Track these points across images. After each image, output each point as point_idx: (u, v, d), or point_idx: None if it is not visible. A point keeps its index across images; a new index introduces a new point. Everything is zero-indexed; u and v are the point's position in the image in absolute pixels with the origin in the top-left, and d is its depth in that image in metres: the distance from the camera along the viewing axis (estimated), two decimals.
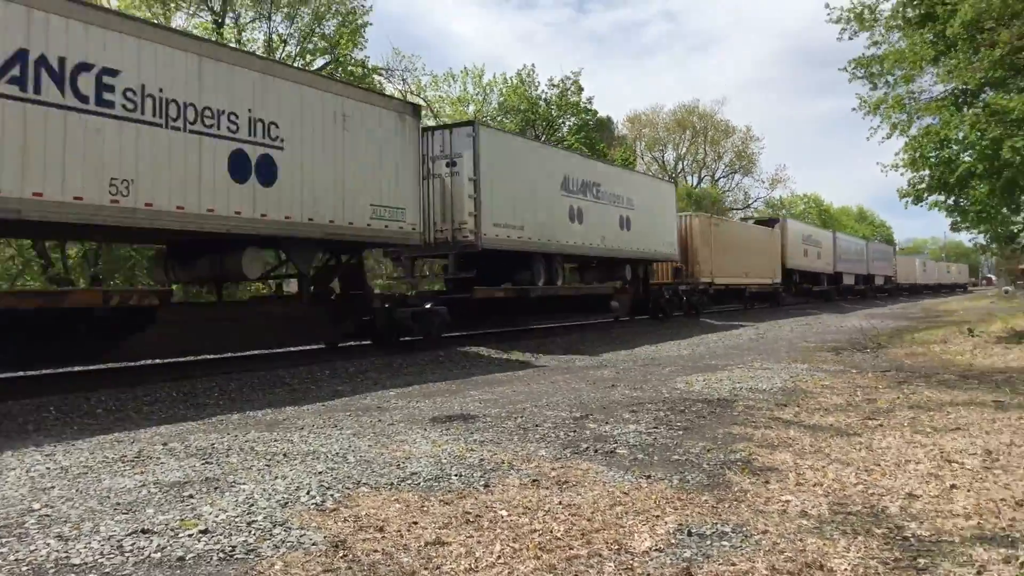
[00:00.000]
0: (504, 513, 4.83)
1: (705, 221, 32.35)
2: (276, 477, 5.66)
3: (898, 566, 3.88)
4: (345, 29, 29.09)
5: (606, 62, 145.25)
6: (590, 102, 45.74)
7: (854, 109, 20.05)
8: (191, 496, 5.18)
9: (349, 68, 29.38)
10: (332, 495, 5.21)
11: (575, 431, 7.58)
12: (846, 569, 3.84)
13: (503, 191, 18.83)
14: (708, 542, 4.28)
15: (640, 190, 26.73)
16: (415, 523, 4.63)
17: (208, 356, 14.12)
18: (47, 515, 4.79)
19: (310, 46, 29.31)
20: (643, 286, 28.11)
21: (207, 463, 6.18)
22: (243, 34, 28.17)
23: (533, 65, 59.99)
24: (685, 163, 73.56)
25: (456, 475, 5.74)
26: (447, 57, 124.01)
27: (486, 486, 5.48)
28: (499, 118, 45.29)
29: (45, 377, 12.30)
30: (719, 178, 75.37)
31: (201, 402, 10.04)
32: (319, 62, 29.37)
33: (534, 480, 5.66)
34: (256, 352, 14.29)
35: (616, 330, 23.95)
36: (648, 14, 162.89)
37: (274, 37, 29.42)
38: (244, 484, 5.47)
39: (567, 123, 45.83)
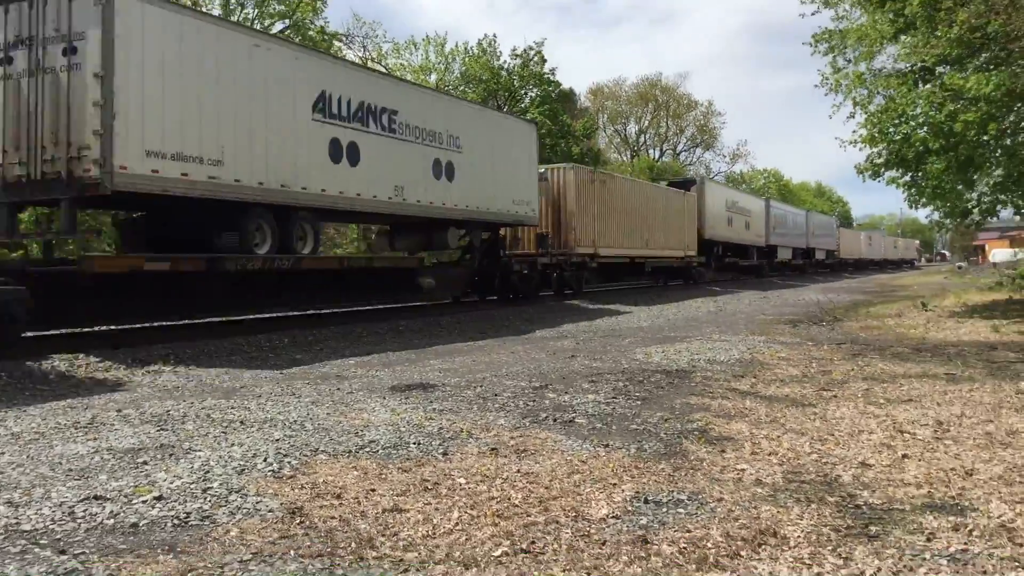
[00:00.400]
0: (462, 481, 4.84)
1: (585, 176, 25.82)
2: (233, 444, 5.61)
3: (850, 533, 3.96)
4: None
5: (569, 33, 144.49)
6: (553, 73, 45.63)
7: (816, 86, 20.22)
8: (145, 463, 5.11)
9: (309, 33, 28.93)
10: (289, 462, 5.17)
11: (533, 401, 7.60)
12: (799, 536, 3.91)
13: (175, 102, 11.97)
14: (664, 509, 4.32)
15: (473, 127, 20.00)
16: (373, 490, 4.62)
17: (156, 323, 14.01)
18: None
19: (269, 9, 28.73)
20: (493, 259, 22.23)
21: (162, 430, 6.10)
22: None
23: (495, 35, 59.55)
24: (647, 136, 73.72)
25: (415, 443, 5.74)
26: (406, 26, 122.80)
27: (445, 454, 5.48)
28: (461, 88, 44.96)
29: None
30: (680, 152, 75.72)
31: (156, 369, 9.90)
32: (277, 26, 28.89)
33: (493, 449, 5.67)
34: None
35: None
36: None
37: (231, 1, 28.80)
38: (200, 451, 5.41)
39: (529, 94, 45.66)
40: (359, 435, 5.99)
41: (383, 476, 4.93)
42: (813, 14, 20.38)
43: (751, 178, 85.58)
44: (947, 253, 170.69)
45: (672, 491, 4.68)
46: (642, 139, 73.38)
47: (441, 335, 14.51)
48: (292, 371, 9.86)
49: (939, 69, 17.24)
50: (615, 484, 4.82)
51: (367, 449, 5.58)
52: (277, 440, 5.76)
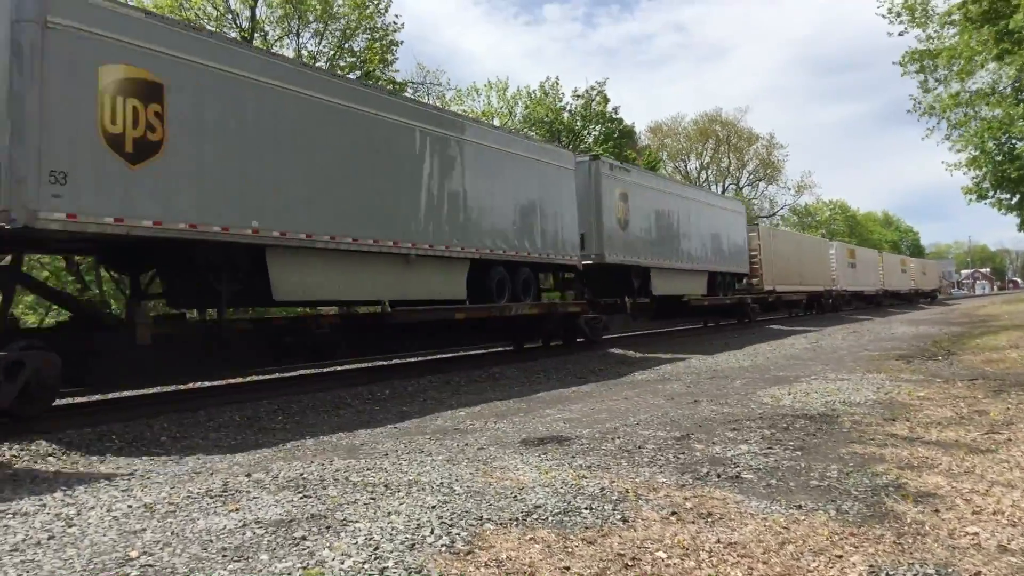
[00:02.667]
0: (663, 555, 4.27)
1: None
2: (389, 513, 5.11)
3: None
4: (376, 44, 28.67)
5: (615, 75, 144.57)
6: (616, 111, 45.27)
7: (909, 111, 19.50)
8: (304, 538, 4.64)
9: (380, 83, 29.04)
10: (459, 534, 4.66)
11: (684, 453, 7.00)
12: None
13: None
14: None
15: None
16: (567, 568, 4.08)
17: (260, 375, 13.76)
18: (149, 565, 4.26)
19: (341, 63, 28.88)
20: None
21: (305, 497, 5.65)
22: (272, 50, 27.80)
23: (557, 77, 59.42)
24: (709, 172, 72.84)
25: (585, 508, 5.18)
26: (458, 74, 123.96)
27: (624, 520, 4.91)
28: (524, 130, 44.88)
29: (92, 403, 11.87)
30: (743, 186, 74.60)
31: (267, 426, 9.53)
32: (351, 76, 29.02)
33: (673, 512, 5.09)
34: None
35: None
36: (657, 26, 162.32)
37: (304, 54, 29.04)
38: (357, 522, 4.93)
39: (592, 133, 45.34)
40: (518, 499, 5.45)
41: (569, 550, 4.38)
42: (900, 34, 19.62)
43: (816, 210, 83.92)
44: (1020, 280, 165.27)
45: (912, 563, 4.05)
46: (704, 175, 72.50)
47: (541, 381, 13.96)
48: (406, 425, 9.39)
49: None
50: (840, 556, 4.20)
51: (535, 516, 5.04)
52: (433, 507, 5.25)
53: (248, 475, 6.54)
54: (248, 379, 13.95)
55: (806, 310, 42.63)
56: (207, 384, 13.37)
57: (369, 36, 29.42)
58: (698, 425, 8.42)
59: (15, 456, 7.65)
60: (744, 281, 32.18)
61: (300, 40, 28.98)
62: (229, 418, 9.77)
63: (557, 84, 44.84)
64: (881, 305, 54.40)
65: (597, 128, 44.24)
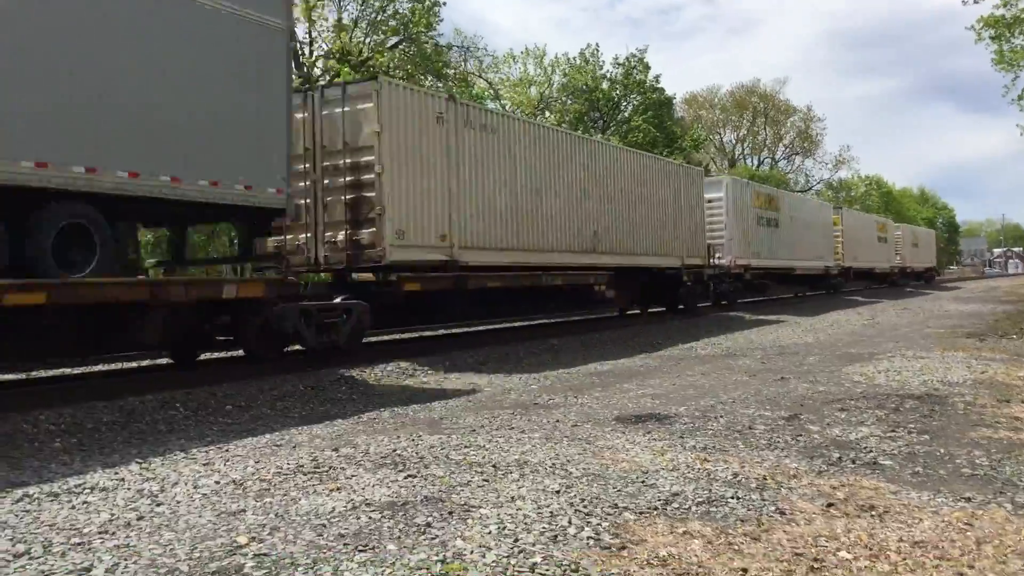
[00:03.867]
0: (847, 556, 3.73)
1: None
2: (512, 498, 4.60)
3: None
4: (420, 6, 27.90)
5: (642, 46, 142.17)
6: (657, 80, 44.31)
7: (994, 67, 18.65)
8: (428, 524, 4.14)
9: (424, 47, 28.44)
10: (600, 525, 4.14)
11: (801, 435, 6.45)
12: None
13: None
14: None
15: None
16: (744, 570, 3.55)
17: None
18: (264, 554, 3.77)
19: (383, 28, 28.21)
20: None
21: (410, 476, 5.15)
22: (313, 12, 27.20)
23: (597, 44, 58.37)
24: (745, 145, 71.62)
25: (731, 497, 4.64)
26: (490, 43, 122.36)
27: (781, 513, 4.38)
28: (562, 99, 44.10)
29: (141, 370, 11.50)
30: (779, 160, 73.33)
31: (333, 396, 9.07)
32: (391, 41, 28.38)
33: (829, 504, 4.54)
34: None
35: None
36: None
37: (344, 18, 28.40)
38: (480, 507, 4.42)
39: (631, 103, 44.38)
40: (647, 484, 4.93)
41: (735, 546, 3.85)
42: (976, 1, 18.69)
43: (852, 185, 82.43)
44: None
45: None
46: (740, 148, 71.30)
47: (601, 354, 13.42)
48: (479, 398, 8.89)
49: None
50: None
51: (675, 505, 4.51)
52: (558, 492, 4.73)
53: (335, 450, 6.07)
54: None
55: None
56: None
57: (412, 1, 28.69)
58: (800, 404, 7.86)
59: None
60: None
61: (341, 3, 28.31)
62: (292, 387, 9.30)
63: (597, 51, 43.94)
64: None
65: (637, 98, 43.27)
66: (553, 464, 5.45)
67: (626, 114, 43.71)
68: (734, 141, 71.45)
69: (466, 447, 6.04)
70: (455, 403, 8.54)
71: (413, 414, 7.89)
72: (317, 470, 5.43)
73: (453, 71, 32.41)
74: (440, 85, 28.33)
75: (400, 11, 28.15)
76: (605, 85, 43.68)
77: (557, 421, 7.19)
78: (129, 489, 5.08)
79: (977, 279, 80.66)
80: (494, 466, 5.40)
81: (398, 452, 5.90)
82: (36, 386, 9.51)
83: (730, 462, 5.51)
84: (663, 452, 5.83)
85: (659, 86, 43.93)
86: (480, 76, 38.26)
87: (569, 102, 43.70)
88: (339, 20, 27.88)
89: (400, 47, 28.34)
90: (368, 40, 28.03)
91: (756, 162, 71.37)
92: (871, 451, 5.88)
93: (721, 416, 7.25)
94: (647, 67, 43.78)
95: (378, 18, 28.04)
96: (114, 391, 8.43)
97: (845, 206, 44.87)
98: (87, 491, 5.06)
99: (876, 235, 44.39)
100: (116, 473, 5.53)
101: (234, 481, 5.21)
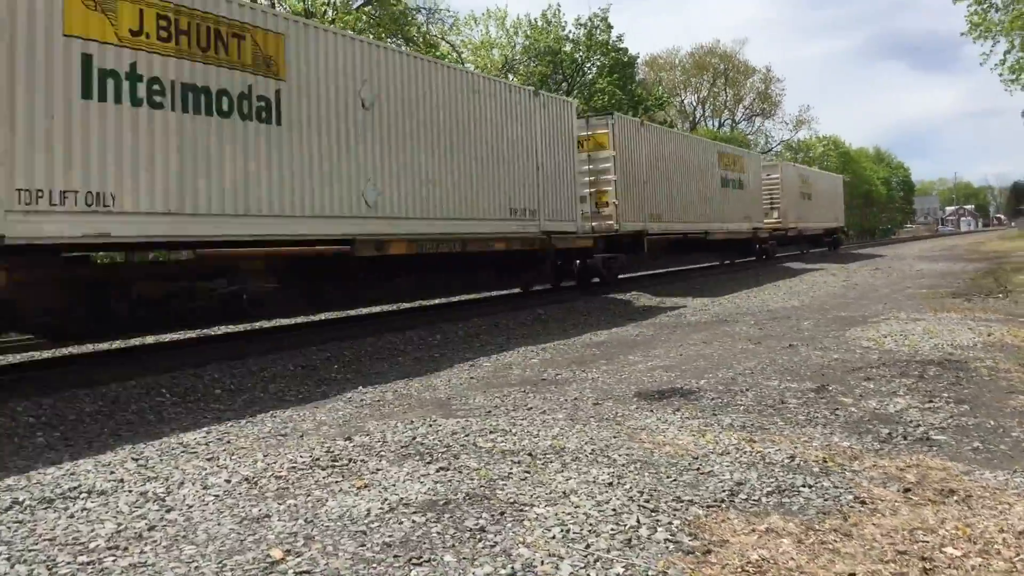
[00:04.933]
0: (954, 552, 3.39)
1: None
2: (563, 493, 4.19)
3: None
4: None
5: (594, 4, 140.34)
6: (620, 40, 43.63)
7: (963, 34, 18.48)
8: (482, 529, 3.72)
9: (393, 9, 27.53)
10: (671, 523, 3.75)
11: (838, 409, 6.13)
12: None
13: None
14: None
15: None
16: (852, 575, 3.19)
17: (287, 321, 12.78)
18: (306, 572, 3.32)
19: None
20: None
21: (441, 469, 4.71)
22: None
23: (559, 4, 57.40)
24: (706, 108, 71.42)
25: (801, 485, 4.28)
26: (451, 4, 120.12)
27: (861, 503, 4.03)
28: (525, 62, 43.32)
29: (125, 351, 10.87)
30: (739, 121, 73.29)
31: (326, 376, 8.57)
32: (356, 3, 27.44)
33: (905, 490, 4.21)
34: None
35: None
36: None
37: None
38: (533, 506, 4.01)
39: (596, 64, 43.75)
40: (702, 472, 4.56)
41: (828, 545, 3.49)
42: None
43: (810, 146, 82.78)
44: (1003, 217, 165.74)
45: None
46: (701, 110, 71.09)
47: (591, 324, 13.03)
48: (482, 375, 8.46)
49: None
50: None
51: (743, 496, 4.14)
52: (611, 484, 4.33)
53: (348, 439, 5.60)
54: (277, 323, 12.98)
55: None
56: (221, 331, 12.35)
57: None
58: (821, 374, 7.55)
59: None
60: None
61: None
62: (283, 367, 8.78)
63: (559, 12, 43.12)
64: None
65: (601, 59, 42.63)
66: (593, 451, 5.05)
67: (589, 76, 43.05)
68: (695, 103, 71.19)
69: (490, 432, 5.61)
70: (458, 382, 8.09)
71: (417, 394, 7.43)
72: (335, 463, 4.97)
73: (419, 34, 31.50)
74: (407, 48, 27.43)
75: None
76: (568, 47, 42.94)
77: (575, 399, 6.79)
78: (131, 492, 4.58)
79: (931, 237, 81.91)
80: (530, 454, 4.98)
81: (419, 440, 5.46)
82: (4, 375, 8.86)
83: (779, 443, 5.16)
84: (703, 432, 5.46)
85: (622, 46, 43.28)
86: (443, 39, 37.32)
87: (533, 64, 42.92)
88: None
89: (367, 8, 27.40)
90: (334, 0, 27.07)
91: (717, 124, 71.28)
92: (918, 425, 5.58)
93: (747, 389, 6.91)
94: (610, 27, 43.08)
95: None
96: (94, 378, 7.85)
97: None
98: (84, 495, 4.55)
99: (718, 174, 24.80)
100: (112, 473, 5.01)
101: (246, 479, 4.74)
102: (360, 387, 7.88)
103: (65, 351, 10.56)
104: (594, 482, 4.37)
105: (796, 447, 5.04)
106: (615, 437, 5.40)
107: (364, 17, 26.53)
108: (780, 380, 7.29)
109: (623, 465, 4.71)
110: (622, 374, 8.02)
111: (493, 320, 12.94)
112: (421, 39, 30.95)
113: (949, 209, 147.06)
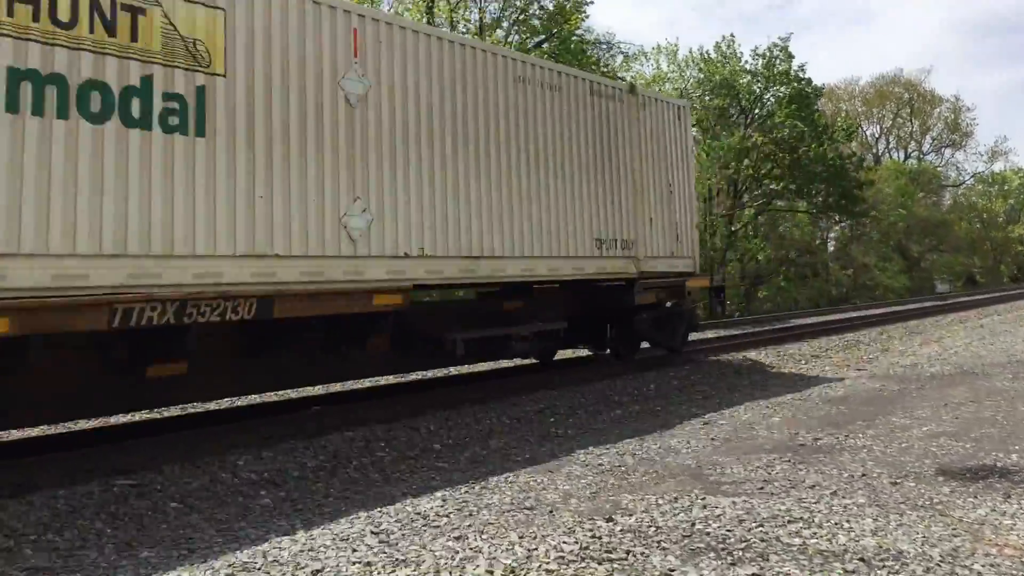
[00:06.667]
0: None
1: None
2: None
3: None
4: (566, 2, 26.64)
5: (758, 42, 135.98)
6: (802, 69, 41.59)
7: None
8: None
9: (571, 44, 27.15)
10: None
11: None
12: None
13: None
14: None
15: None
16: None
17: None
18: None
19: (526, 26, 27.13)
20: None
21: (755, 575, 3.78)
22: (455, 14, 26.36)
23: (732, 35, 55.89)
24: (890, 139, 67.48)
25: None
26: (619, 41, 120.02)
27: None
28: (698, 94, 42.09)
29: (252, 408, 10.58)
30: (927, 153, 68.77)
31: (545, 432, 7.81)
32: (533, 40, 27.24)
33: None
34: None
35: None
36: None
37: (486, 19, 27.43)
38: None
39: (776, 95, 41.85)
40: None
41: None
42: None
43: (1006, 179, 76.66)
44: None
45: None
46: (885, 142, 67.21)
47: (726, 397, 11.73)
48: (721, 436, 7.46)
49: None
50: None
51: None
52: None
53: (608, 519, 4.75)
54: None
55: None
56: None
57: None
58: None
59: None
60: None
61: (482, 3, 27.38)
62: (496, 420, 8.10)
63: (733, 42, 41.73)
64: None
65: (782, 90, 40.76)
66: (940, 557, 3.97)
67: (769, 107, 41.25)
68: (877, 134, 67.35)
69: (788, 521, 4.60)
70: (697, 444, 7.14)
71: (660, 459, 6.52)
72: (610, 555, 4.12)
73: (600, 67, 31.04)
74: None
75: (544, 6, 26.96)
76: (745, 79, 41.38)
77: (862, 475, 5.68)
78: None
79: None
80: (861, 559, 3.96)
81: (699, 527, 4.54)
82: (227, 423, 8.49)
83: None
84: None
85: (805, 76, 41.19)
86: (618, 75, 36.70)
87: (708, 98, 41.64)
88: (481, 20, 26.94)
89: (543, 46, 27.14)
90: (511, 39, 26.98)
91: (903, 156, 67.11)
92: None
93: None
94: (790, 56, 41.16)
95: (521, 16, 26.96)
96: (305, 425, 7.44)
97: None
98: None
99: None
100: (354, 551, 4.37)
101: (512, 571, 3.96)
102: (589, 447, 7.07)
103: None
104: None
105: None
106: (953, 536, 4.29)
107: (544, 54, 26.26)
108: None
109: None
110: (898, 442, 6.81)
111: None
112: (602, 72, 30.47)
113: None
